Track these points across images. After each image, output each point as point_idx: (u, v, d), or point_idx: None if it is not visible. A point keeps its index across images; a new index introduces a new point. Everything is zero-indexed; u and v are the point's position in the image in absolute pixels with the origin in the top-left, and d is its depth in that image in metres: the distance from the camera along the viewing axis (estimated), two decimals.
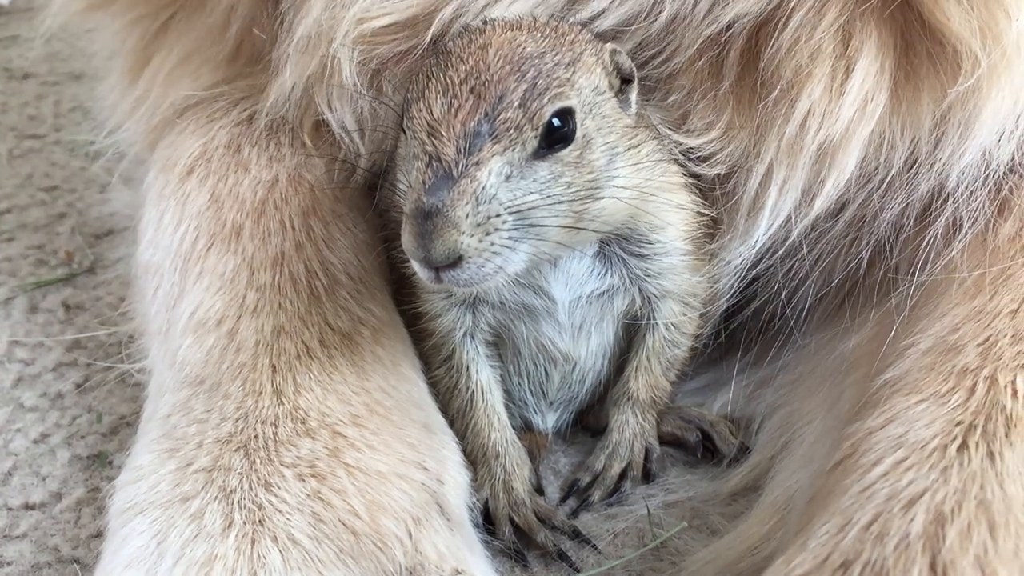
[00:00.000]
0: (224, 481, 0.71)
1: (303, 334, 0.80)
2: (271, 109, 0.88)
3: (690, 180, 0.85)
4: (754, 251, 0.83)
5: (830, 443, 0.81)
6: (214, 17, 0.92)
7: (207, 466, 0.72)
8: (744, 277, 0.85)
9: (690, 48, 0.81)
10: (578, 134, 0.75)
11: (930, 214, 0.82)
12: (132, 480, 0.74)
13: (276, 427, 0.74)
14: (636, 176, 0.79)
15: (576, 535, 0.86)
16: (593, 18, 0.81)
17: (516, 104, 0.72)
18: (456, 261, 0.70)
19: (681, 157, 0.84)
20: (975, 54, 0.75)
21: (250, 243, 0.85)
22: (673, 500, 0.90)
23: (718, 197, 0.83)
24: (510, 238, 0.72)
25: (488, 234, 0.71)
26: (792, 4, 0.77)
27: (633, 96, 0.80)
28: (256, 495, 0.70)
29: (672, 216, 0.83)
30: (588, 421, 0.97)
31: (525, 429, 0.95)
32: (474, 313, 0.86)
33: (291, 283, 0.83)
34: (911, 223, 0.83)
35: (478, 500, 0.84)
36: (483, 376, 0.88)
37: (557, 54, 0.76)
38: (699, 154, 0.82)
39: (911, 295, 0.81)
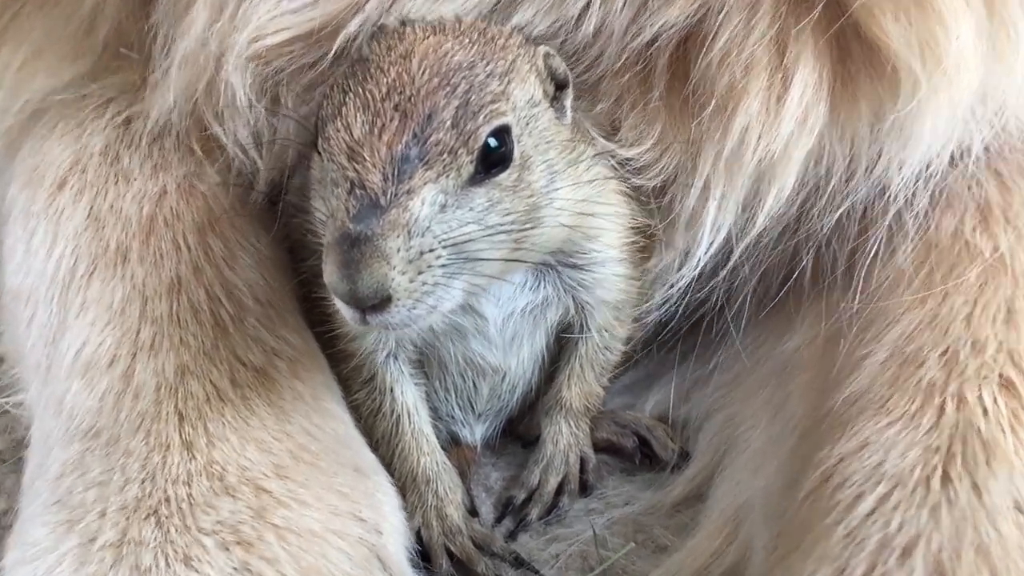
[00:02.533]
0: (136, 559, 0.62)
1: (211, 373, 0.71)
2: (154, 124, 0.78)
3: (625, 187, 0.78)
4: (696, 271, 0.78)
5: (782, 455, 0.78)
6: (74, 11, 0.80)
7: (114, 540, 0.63)
8: (685, 296, 0.80)
9: (617, 57, 0.75)
10: (515, 154, 0.67)
11: (872, 218, 0.79)
12: (25, 560, 0.64)
13: (190, 487, 0.66)
14: (576, 194, 0.72)
15: (519, 562, 0.81)
16: (518, 28, 0.73)
17: (448, 124, 0.65)
18: (384, 302, 0.63)
19: (616, 165, 0.77)
20: (915, 73, 0.72)
21: (140, 267, 0.75)
22: (614, 515, 0.86)
23: (654, 211, 0.78)
24: (444, 275, 0.65)
25: (420, 272, 0.64)
26: (719, 17, 0.73)
27: (568, 103, 0.73)
28: (175, 573, 0.62)
29: (607, 224, 0.77)
30: (519, 430, 0.92)
31: (452, 443, 0.88)
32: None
33: (192, 313, 0.73)
34: (853, 227, 0.79)
35: (410, 530, 0.78)
36: (408, 397, 0.81)
37: (489, 63, 0.68)
38: (633, 165, 0.76)
39: (856, 298, 0.77)
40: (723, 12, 0.72)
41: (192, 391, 0.70)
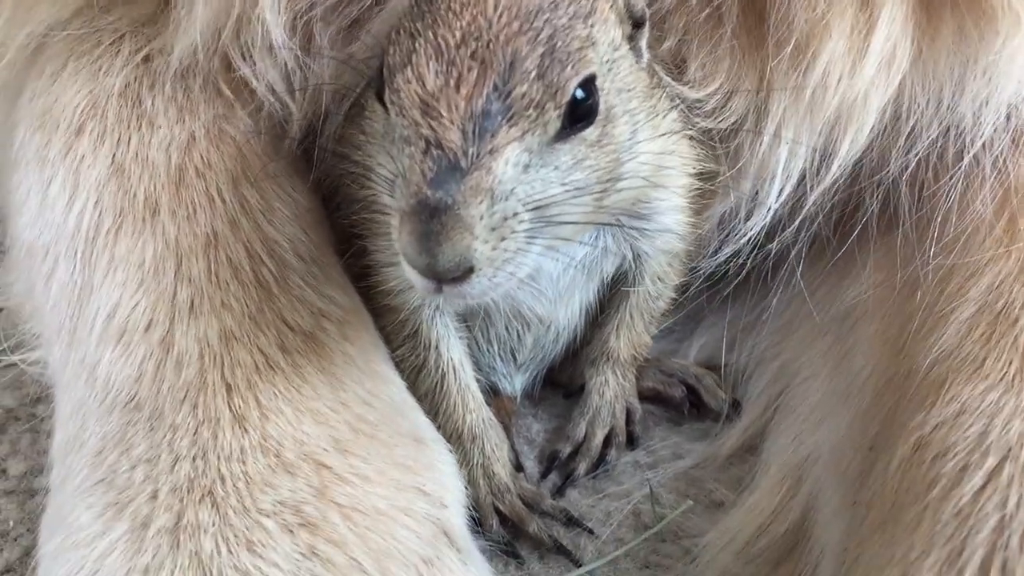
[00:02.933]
0: (196, 545, 0.58)
1: (258, 339, 0.66)
2: (177, 63, 0.70)
3: (691, 132, 0.73)
4: (767, 220, 0.73)
5: (852, 410, 0.74)
6: None
7: (169, 525, 0.59)
8: (755, 248, 0.75)
9: None
10: (600, 106, 0.61)
11: (946, 161, 0.74)
12: (72, 546, 0.59)
13: (245, 464, 0.61)
14: (655, 146, 0.66)
15: (570, 521, 0.78)
16: None
17: (533, 75, 0.58)
18: (466, 273, 0.57)
19: (685, 109, 0.72)
20: (1015, 10, 0.67)
21: (171, 222, 0.69)
22: (665, 469, 0.83)
23: (720, 156, 0.73)
24: (527, 239, 0.59)
25: (503, 239, 0.58)
26: None
27: (644, 43, 0.67)
28: (239, 560, 0.58)
29: (673, 172, 0.72)
30: (560, 378, 0.88)
31: (491, 394, 0.84)
32: None
33: (232, 272, 0.67)
34: (926, 170, 0.75)
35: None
36: (454, 353, 0.76)
37: (571, 3, 0.61)
38: (702, 107, 0.71)
39: (932, 246, 0.73)
40: None
41: (240, 359, 0.65)
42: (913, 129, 0.73)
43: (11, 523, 0.77)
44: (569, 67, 0.59)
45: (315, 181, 0.76)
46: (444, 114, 0.57)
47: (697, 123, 0.72)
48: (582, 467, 0.82)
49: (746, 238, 0.74)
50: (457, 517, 0.66)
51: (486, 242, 0.57)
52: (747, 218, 0.74)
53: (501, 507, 0.77)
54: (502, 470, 0.77)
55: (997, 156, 0.74)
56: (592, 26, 0.61)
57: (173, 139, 0.71)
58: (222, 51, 0.70)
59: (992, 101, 0.71)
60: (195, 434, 0.62)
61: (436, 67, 0.58)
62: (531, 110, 0.58)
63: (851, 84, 0.69)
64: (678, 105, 0.72)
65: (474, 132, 0.57)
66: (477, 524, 0.75)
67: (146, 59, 0.73)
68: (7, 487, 0.80)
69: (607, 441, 0.83)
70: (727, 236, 0.76)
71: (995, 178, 0.74)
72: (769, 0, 0.69)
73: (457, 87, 0.58)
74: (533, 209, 0.59)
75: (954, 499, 0.59)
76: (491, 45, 0.58)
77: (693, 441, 0.85)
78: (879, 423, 0.70)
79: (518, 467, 0.81)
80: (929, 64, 0.71)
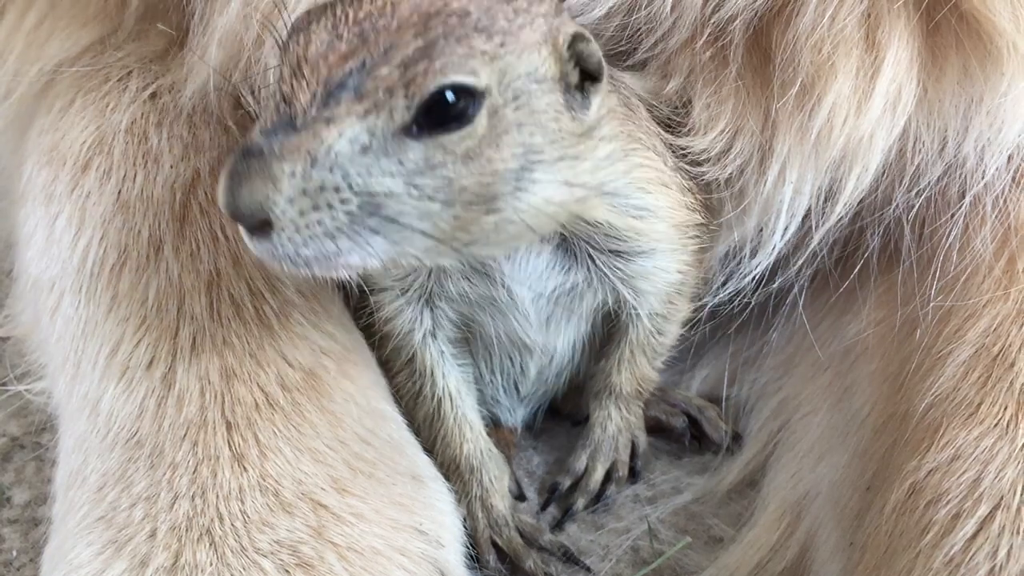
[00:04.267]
0: None
1: (258, 377, 0.66)
2: (187, 101, 0.71)
3: (674, 177, 0.72)
4: (771, 260, 0.73)
5: (851, 449, 0.75)
6: None
7: (167, 564, 0.60)
8: (759, 287, 0.75)
9: (691, 31, 0.69)
10: (479, 120, 0.59)
11: (948, 199, 0.74)
12: None
13: (243, 503, 0.62)
14: (560, 194, 0.63)
15: (567, 557, 0.78)
16: (584, 6, 0.67)
17: (397, 61, 0.57)
18: (265, 227, 0.57)
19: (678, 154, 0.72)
20: (1019, 50, 0.66)
21: (175, 260, 0.69)
22: (664, 503, 0.83)
23: (724, 199, 0.73)
24: (351, 223, 0.58)
25: (317, 208, 0.57)
26: None
27: (595, 99, 0.64)
28: None
29: (654, 215, 0.71)
30: (566, 409, 0.88)
31: (492, 425, 0.85)
32: (432, 310, 0.74)
33: (234, 310, 0.68)
34: (927, 208, 0.75)
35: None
36: (450, 381, 0.77)
37: (487, 18, 0.60)
38: (707, 154, 0.71)
39: (932, 285, 0.73)
40: None
41: (240, 396, 0.65)
42: (917, 168, 0.73)
43: (15, 552, 0.78)
44: (438, 65, 0.58)
45: None
46: (306, 76, 0.58)
47: (702, 172, 0.72)
48: (580, 502, 0.82)
49: (750, 276, 0.74)
50: (454, 555, 0.67)
51: (291, 201, 0.57)
52: (751, 256, 0.75)
53: (499, 541, 0.77)
54: (500, 503, 0.78)
55: (998, 195, 0.74)
56: (501, 46, 0.60)
57: (178, 176, 0.72)
58: (232, 91, 0.71)
59: (996, 141, 0.71)
60: (194, 472, 0.63)
61: (325, 36, 0.59)
62: (381, 92, 0.57)
63: (856, 125, 0.69)
64: (660, 149, 0.71)
65: (322, 98, 0.57)
66: (475, 559, 0.75)
67: (153, 96, 0.74)
68: (11, 516, 0.81)
69: (608, 476, 0.82)
70: (731, 274, 0.76)
71: (995, 218, 0.74)
72: (775, 41, 0.69)
73: (327, 56, 0.58)
74: (363, 194, 0.58)
75: (946, 547, 0.59)
76: (380, 30, 0.58)
77: (693, 475, 0.85)
78: (876, 463, 0.71)
79: (520, 497, 0.81)
80: (935, 104, 0.71)
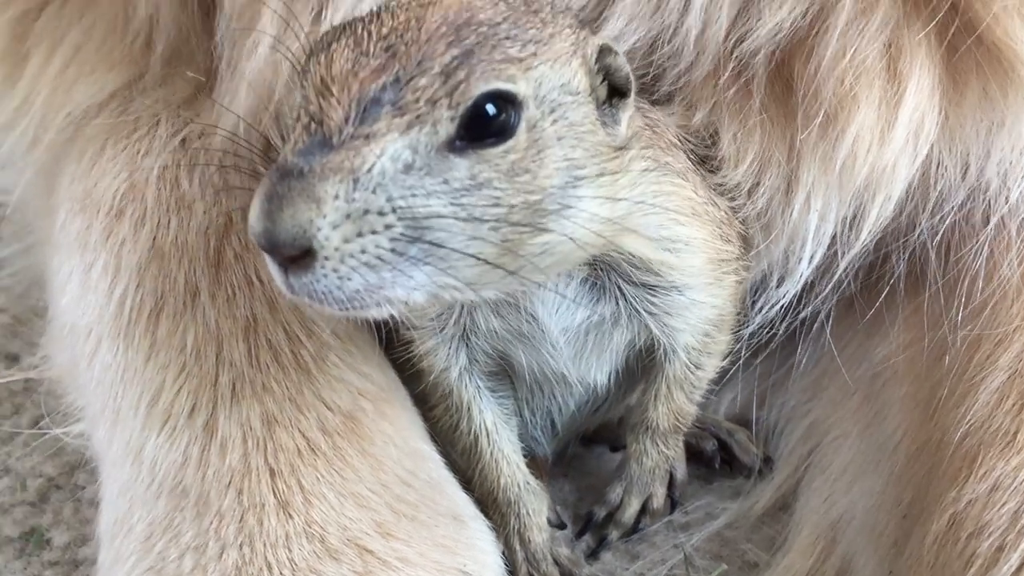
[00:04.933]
0: None
1: (299, 422, 0.67)
2: (218, 144, 0.72)
3: (709, 204, 0.72)
4: (799, 286, 0.73)
5: (885, 474, 0.75)
6: (119, 16, 0.73)
7: None
8: (786, 314, 0.75)
9: (714, 64, 0.70)
10: (520, 132, 0.57)
11: (973, 223, 0.75)
12: None
13: (291, 550, 0.62)
14: (604, 210, 0.61)
15: None
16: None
17: (436, 71, 0.55)
18: (307, 257, 0.53)
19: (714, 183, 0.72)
20: None
21: (211, 306, 0.70)
22: (698, 528, 0.84)
23: (755, 229, 0.73)
24: (393, 250, 0.54)
25: (360, 235, 0.53)
26: (832, 18, 0.67)
27: (624, 115, 0.63)
28: None
29: (688, 248, 0.70)
30: (597, 436, 0.89)
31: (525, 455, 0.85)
32: (467, 346, 0.73)
33: (272, 355, 0.69)
34: (953, 233, 0.76)
35: None
36: (487, 416, 0.76)
37: (516, 28, 0.58)
38: (740, 189, 0.71)
39: (960, 311, 0.74)
40: (837, 12, 0.67)
41: (282, 443, 0.66)
42: (940, 193, 0.74)
43: None
44: (479, 73, 0.55)
45: None
46: (335, 94, 0.55)
47: (734, 206, 0.72)
48: (615, 534, 0.82)
49: (778, 305, 0.75)
50: None
51: (336, 227, 0.53)
52: (779, 284, 0.75)
53: (536, 575, 0.78)
54: (538, 536, 0.78)
55: (1023, 220, 0.75)
56: (534, 55, 0.58)
57: (211, 222, 0.72)
58: (262, 134, 0.71)
59: (1019, 164, 0.72)
60: (241, 520, 0.63)
61: (349, 54, 0.56)
62: (422, 104, 0.55)
63: (880, 154, 0.69)
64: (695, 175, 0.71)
65: (357, 114, 0.54)
66: None
67: (183, 142, 0.75)
68: (51, 558, 0.82)
69: (644, 509, 0.82)
70: (759, 303, 0.76)
71: (1021, 241, 0.75)
72: (797, 72, 0.70)
73: (357, 72, 0.55)
74: (407, 218, 0.54)
75: None
76: (410, 42, 0.56)
77: (726, 500, 0.85)
78: (912, 491, 0.71)
79: (561, 525, 0.81)
80: (956, 129, 0.72)
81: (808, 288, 0.78)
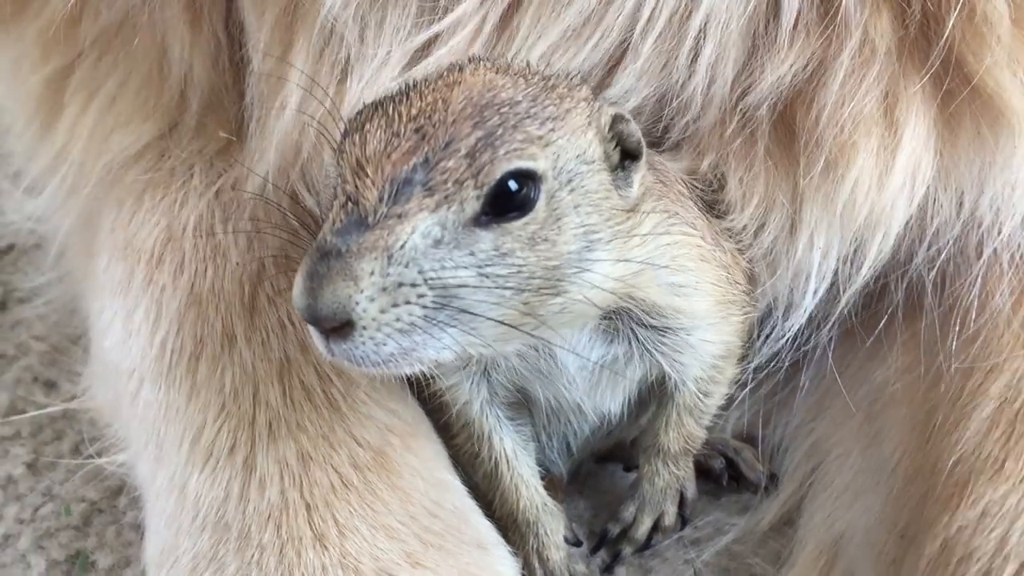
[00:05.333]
0: None
1: (332, 458, 0.71)
2: (248, 197, 0.76)
3: (716, 248, 0.76)
4: (804, 320, 0.78)
5: (883, 495, 0.79)
6: (154, 68, 0.77)
7: None
8: (793, 347, 0.80)
9: (720, 114, 0.74)
10: (540, 205, 0.62)
11: (967, 255, 0.79)
12: None
13: None
14: (617, 270, 0.66)
15: None
16: (619, 97, 0.72)
17: (462, 153, 0.60)
18: (347, 328, 0.59)
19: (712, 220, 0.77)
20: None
21: (247, 349, 0.75)
22: (707, 543, 0.88)
23: (761, 268, 0.77)
24: (424, 317, 0.60)
25: (395, 305, 0.59)
26: (832, 71, 0.71)
27: (637, 176, 0.67)
28: None
29: (693, 291, 0.74)
30: (615, 454, 0.93)
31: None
32: (488, 381, 0.78)
33: (305, 395, 0.73)
34: (949, 264, 0.79)
35: None
36: (507, 444, 0.80)
37: (536, 106, 0.63)
38: (747, 232, 0.75)
39: (955, 340, 0.78)
40: (836, 67, 0.71)
41: (316, 479, 0.71)
42: (937, 228, 0.78)
43: None
44: (502, 154, 0.60)
45: None
46: (370, 175, 0.60)
47: (740, 247, 0.76)
48: (628, 549, 0.86)
49: (785, 339, 0.79)
50: None
51: (372, 300, 0.58)
52: (784, 319, 0.79)
53: None
54: (555, 554, 0.82)
55: (1014, 252, 0.78)
56: (552, 131, 0.63)
57: (245, 269, 0.77)
58: (290, 188, 0.76)
59: (1011, 200, 0.76)
60: (281, 553, 0.68)
61: (382, 135, 0.61)
62: (450, 184, 0.60)
63: (879, 197, 0.73)
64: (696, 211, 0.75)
65: (390, 195, 0.59)
66: None
67: (217, 193, 0.79)
68: None
69: (655, 526, 0.86)
70: (765, 337, 0.80)
71: (1012, 273, 0.78)
72: (799, 121, 0.74)
73: (389, 154, 0.60)
74: (438, 288, 0.59)
75: None
76: (437, 124, 0.61)
77: (733, 515, 0.89)
78: (909, 512, 0.75)
79: (577, 543, 0.85)
80: (951, 169, 0.75)
81: (812, 321, 0.82)
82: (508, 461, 0.81)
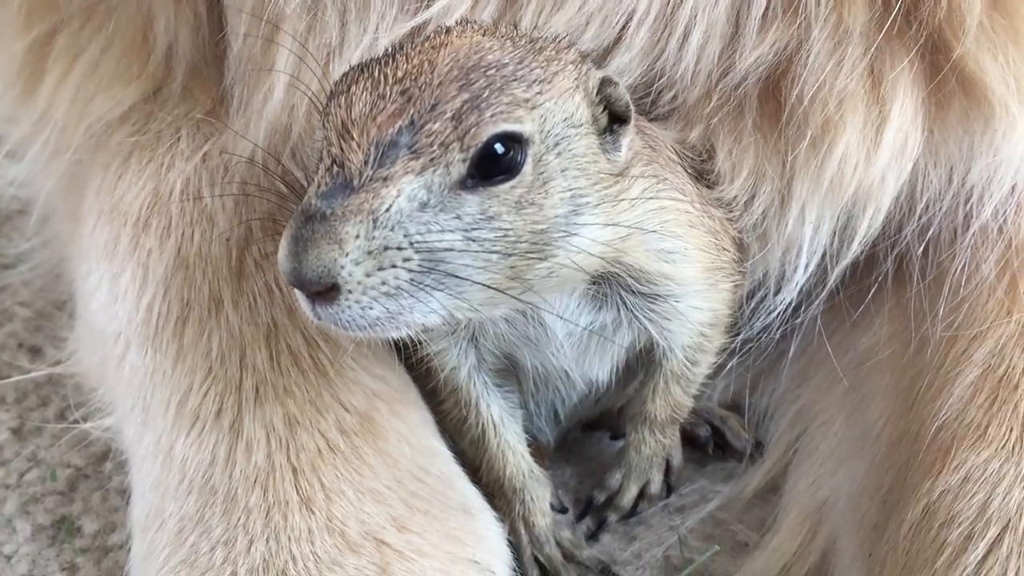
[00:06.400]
0: None
1: (319, 423, 0.71)
2: (236, 164, 0.76)
3: (704, 215, 0.76)
4: (795, 294, 0.78)
5: (867, 460, 0.80)
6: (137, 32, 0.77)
7: None
8: (784, 321, 0.80)
9: (707, 89, 0.75)
10: (526, 168, 0.61)
11: (956, 225, 0.79)
12: None
13: (313, 544, 0.67)
14: (605, 234, 0.66)
15: (604, 571, 0.84)
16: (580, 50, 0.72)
17: (448, 116, 0.60)
18: (332, 292, 0.58)
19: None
20: (1011, 111, 0.72)
21: (234, 314, 0.74)
22: (692, 510, 0.88)
23: (751, 240, 0.77)
24: (411, 281, 0.60)
25: (381, 268, 0.59)
26: (808, 49, 0.72)
27: (625, 140, 0.67)
28: None
29: (682, 258, 0.74)
30: (598, 424, 0.93)
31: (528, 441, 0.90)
32: (476, 347, 0.78)
33: (292, 360, 0.73)
34: (937, 234, 0.80)
35: None
36: (494, 410, 0.80)
37: (522, 68, 0.63)
38: (737, 202, 0.76)
39: (941, 307, 0.78)
40: (809, 48, 0.72)
41: (303, 443, 0.71)
42: (927, 201, 0.78)
43: None
44: (488, 117, 0.60)
45: None
46: (355, 138, 0.59)
47: (731, 218, 0.76)
48: (613, 516, 0.87)
49: (776, 312, 0.79)
50: None
51: (357, 263, 0.58)
52: (776, 293, 0.79)
53: (540, 557, 0.82)
54: (541, 520, 0.82)
55: (1002, 223, 0.79)
56: (539, 94, 0.63)
57: (232, 233, 0.76)
58: (277, 157, 0.75)
59: (998, 173, 0.76)
60: (267, 516, 0.68)
61: (368, 98, 0.61)
62: (436, 147, 0.59)
63: (867, 172, 0.73)
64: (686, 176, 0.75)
65: (376, 158, 0.59)
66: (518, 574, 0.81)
67: (204, 156, 0.79)
68: (83, 545, 0.86)
69: (641, 494, 0.87)
70: (757, 310, 0.81)
71: (998, 243, 0.79)
72: (784, 96, 0.74)
73: (375, 116, 0.60)
74: (424, 251, 0.59)
75: (959, 568, 0.64)
76: (423, 86, 0.61)
77: (718, 483, 0.90)
78: (892, 478, 0.76)
79: (563, 510, 0.86)
80: (940, 145, 0.76)
81: (802, 292, 0.82)
82: (495, 427, 0.81)
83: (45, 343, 1.02)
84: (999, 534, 0.65)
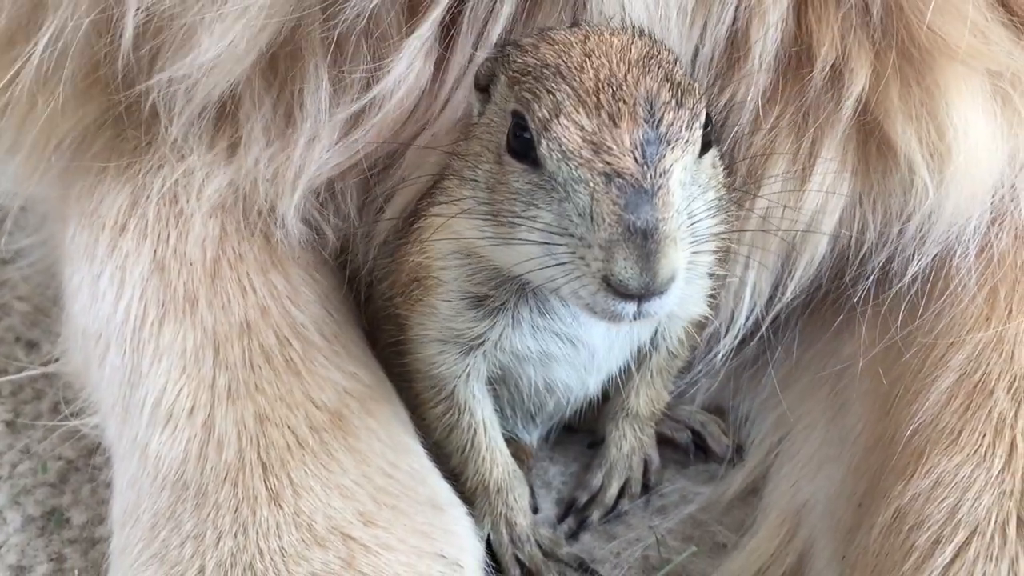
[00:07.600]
0: None
1: (289, 420, 0.72)
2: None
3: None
4: (738, 333, 0.83)
5: (844, 465, 0.80)
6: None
7: None
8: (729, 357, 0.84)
9: None
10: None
11: (938, 243, 0.79)
12: None
13: (281, 538, 0.68)
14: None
15: (583, 568, 0.84)
16: None
17: (673, 103, 0.63)
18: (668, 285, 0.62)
19: None
20: (923, 178, 0.74)
21: (208, 313, 0.75)
22: (672, 512, 0.88)
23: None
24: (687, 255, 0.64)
25: (689, 261, 0.63)
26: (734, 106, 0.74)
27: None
28: None
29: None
30: (583, 426, 0.93)
31: (508, 442, 0.90)
32: (484, 359, 0.78)
33: (264, 358, 0.74)
34: (920, 251, 0.80)
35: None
36: (485, 415, 0.81)
37: (664, 59, 0.67)
38: None
39: (919, 314, 0.78)
40: (741, 102, 0.74)
41: (273, 439, 0.71)
42: (873, 242, 0.80)
43: (76, 571, 0.85)
44: (696, 90, 0.65)
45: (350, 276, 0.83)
46: (614, 148, 0.61)
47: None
48: (595, 515, 0.87)
49: (720, 351, 0.84)
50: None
51: (683, 252, 0.62)
52: (725, 334, 0.83)
53: (520, 556, 0.83)
54: (523, 520, 0.83)
55: (983, 234, 0.78)
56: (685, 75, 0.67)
57: (207, 235, 0.77)
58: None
59: (941, 225, 0.78)
60: (236, 511, 0.69)
61: (586, 112, 0.63)
62: (683, 131, 0.63)
63: (793, 220, 0.77)
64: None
65: (645, 159, 0.61)
66: (496, 571, 0.81)
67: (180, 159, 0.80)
68: (71, 536, 0.87)
69: (621, 491, 0.88)
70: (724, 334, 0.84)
71: (982, 252, 0.78)
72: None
73: (614, 124, 0.62)
74: (691, 224, 0.64)
75: (925, 572, 0.64)
76: (624, 87, 0.63)
77: (699, 485, 0.90)
78: (867, 482, 0.76)
79: (535, 510, 0.87)
80: (879, 196, 0.78)
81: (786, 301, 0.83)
82: (485, 430, 0.82)
83: (42, 338, 1.03)
84: (967, 538, 0.65)
